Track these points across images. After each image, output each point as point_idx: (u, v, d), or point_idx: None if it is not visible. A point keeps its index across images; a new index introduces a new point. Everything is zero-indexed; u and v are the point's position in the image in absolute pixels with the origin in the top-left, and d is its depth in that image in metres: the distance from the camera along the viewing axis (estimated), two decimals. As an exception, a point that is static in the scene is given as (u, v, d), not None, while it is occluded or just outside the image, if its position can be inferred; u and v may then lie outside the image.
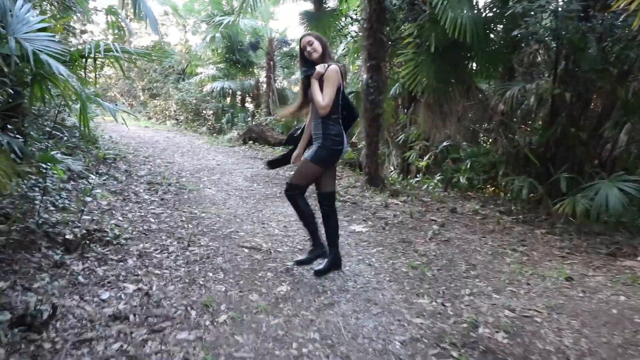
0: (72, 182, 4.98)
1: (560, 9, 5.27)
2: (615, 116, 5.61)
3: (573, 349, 2.70)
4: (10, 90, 3.31)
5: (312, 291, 3.32)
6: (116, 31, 9.98)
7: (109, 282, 3.15)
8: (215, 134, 13.53)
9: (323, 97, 3.19)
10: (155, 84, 17.50)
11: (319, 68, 3.25)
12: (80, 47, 2.82)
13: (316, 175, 3.37)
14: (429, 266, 3.93)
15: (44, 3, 5.95)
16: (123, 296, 2.99)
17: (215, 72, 15.58)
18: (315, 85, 3.24)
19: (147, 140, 10.33)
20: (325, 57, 3.33)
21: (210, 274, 3.47)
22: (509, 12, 5.07)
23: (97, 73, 3.42)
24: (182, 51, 18.24)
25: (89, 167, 5.34)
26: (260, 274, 3.55)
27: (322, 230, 3.55)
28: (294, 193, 3.39)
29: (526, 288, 3.58)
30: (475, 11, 5.72)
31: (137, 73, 17.83)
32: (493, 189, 7.53)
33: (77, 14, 6.47)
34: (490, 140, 7.87)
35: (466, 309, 3.17)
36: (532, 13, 5.01)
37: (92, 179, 4.37)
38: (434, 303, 3.23)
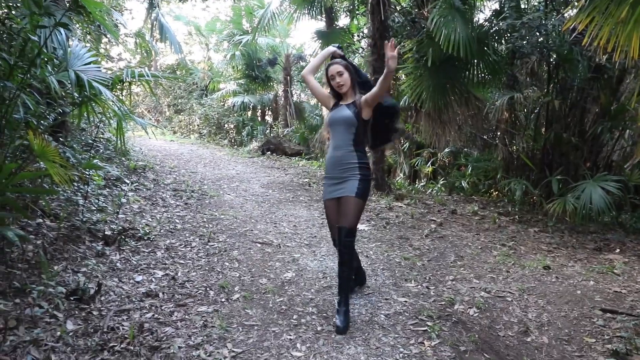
0: (107, 189, 5.63)
1: (546, 24, 5.69)
2: (604, 122, 5.97)
3: (534, 321, 3.14)
4: (60, 110, 3.98)
5: (314, 277, 3.83)
6: (144, 53, 10.83)
7: (141, 269, 3.73)
8: (236, 146, 14.23)
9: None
10: (179, 100, 18.41)
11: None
12: (114, 70, 3.45)
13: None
14: (421, 258, 4.40)
15: (80, 31, 6.71)
16: (153, 279, 3.57)
17: (236, 88, 16.35)
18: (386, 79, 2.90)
19: (172, 153, 11.05)
20: (354, 89, 3.15)
21: (227, 264, 4.03)
22: (494, 29, 5.55)
23: (129, 93, 4.04)
24: (204, 68, 19.15)
25: (121, 176, 5.99)
26: (270, 264, 4.09)
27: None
28: (354, 238, 3.11)
29: (505, 275, 4.01)
30: (470, 28, 6.19)
31: (162, 90, 18.79)
32: (496, 193, 7.91)
33: (110, 40, 7.20)
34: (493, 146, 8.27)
35: (447, 291, 3.63)
36: (519, 29, 5.46)
37: (127, 184, 4.99)
38: (419, 286, 3.70)
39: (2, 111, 2.85)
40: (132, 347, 2.59)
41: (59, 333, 2.60)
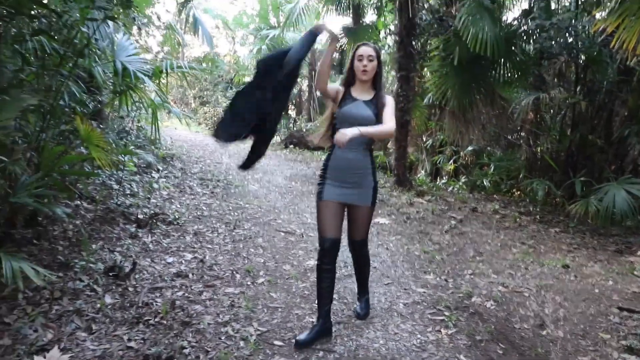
0: (138, 175, 5.87)
1: (576, 24, 5.67)
2: (631, 125, 5.92)
3: (550, 315, 3.21)
4: (99, 98, 4.19)
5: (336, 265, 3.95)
6: (175, 45, 11.09)
7: (172, 251, 3.93)
8: (259, 139, 14.38)
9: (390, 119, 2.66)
10: (205, 92, 18.73)
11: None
12: (149, 62, 3.66)
13: None
14: (440, 252, 4.49)
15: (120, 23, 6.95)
16: (183, 261, 3.75)
17: (261, 82, 16.50)
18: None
19: (197, 144, 11.30)
20: (376, 81, 2.79)
21: (252, 250, 4.19)
22: (522, 29, 5.55)
23: (166, 84, 4.23)
24: (230, 61, 19.41)
25: (154, 163, 6.22)
26: (293, 251, 4.24)
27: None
28: (367, 245, 3.04)
29: (523, 272, 4.07)
30: (498, 27, 6.20)
31: (189, 82, 19.11)
32: (518, 193, 7.91)
33: (147, 32, 7.44)
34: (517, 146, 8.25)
35: (465, 284, 3.72)
36: (547, 29, 5.46)
37: (158, 171, 5.20)
38: (438, 279, 3.80)
39: (50, 98, 3.05)
40: (165, 322, 2.77)
41: (98, 305, 2.80)
